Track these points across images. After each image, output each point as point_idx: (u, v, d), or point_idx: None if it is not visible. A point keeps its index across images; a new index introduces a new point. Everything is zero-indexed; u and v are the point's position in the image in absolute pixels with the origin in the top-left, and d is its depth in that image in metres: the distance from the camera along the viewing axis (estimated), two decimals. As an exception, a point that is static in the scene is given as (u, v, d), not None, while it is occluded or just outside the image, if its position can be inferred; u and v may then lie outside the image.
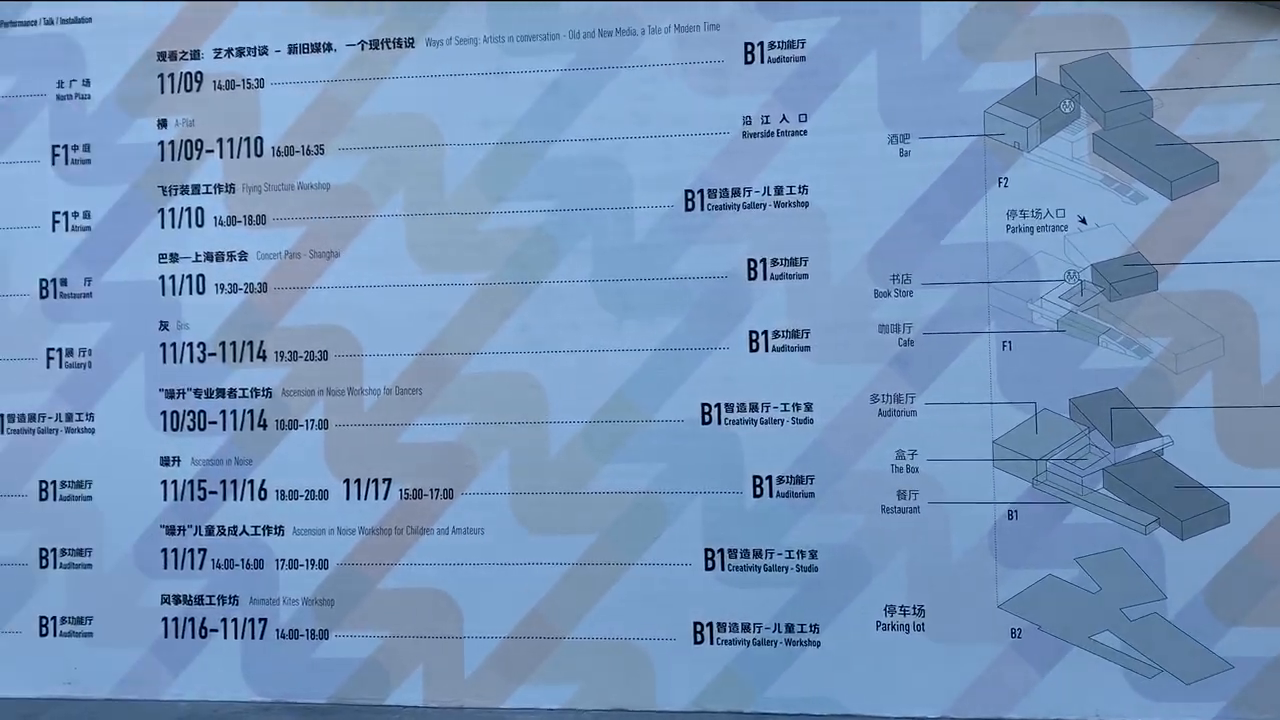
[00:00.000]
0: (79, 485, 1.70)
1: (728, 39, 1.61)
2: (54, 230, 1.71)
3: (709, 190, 1.60)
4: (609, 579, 1.60)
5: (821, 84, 1.58)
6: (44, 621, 1.69)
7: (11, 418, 1.71)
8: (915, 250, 1.56)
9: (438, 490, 1.64)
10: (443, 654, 1.62)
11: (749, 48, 1.60)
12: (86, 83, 1.71)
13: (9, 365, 1.71)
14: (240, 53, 1.69)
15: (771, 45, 1.60)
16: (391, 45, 1.66)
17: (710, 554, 1.59)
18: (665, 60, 1.61)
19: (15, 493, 1.70)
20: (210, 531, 1.68)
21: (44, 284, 1.71)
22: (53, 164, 1.72)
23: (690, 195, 1.60)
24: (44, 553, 1.69)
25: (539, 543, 1.61)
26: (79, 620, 1.69)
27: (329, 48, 1.67)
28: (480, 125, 1.64)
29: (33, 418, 1.71)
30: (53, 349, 1.71)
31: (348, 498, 1.66)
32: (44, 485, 1.70)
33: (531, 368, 1.62)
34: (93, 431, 1.69)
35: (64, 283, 1.71)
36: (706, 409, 1.59)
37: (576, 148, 1.63)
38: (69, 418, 1.70)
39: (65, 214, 1.71)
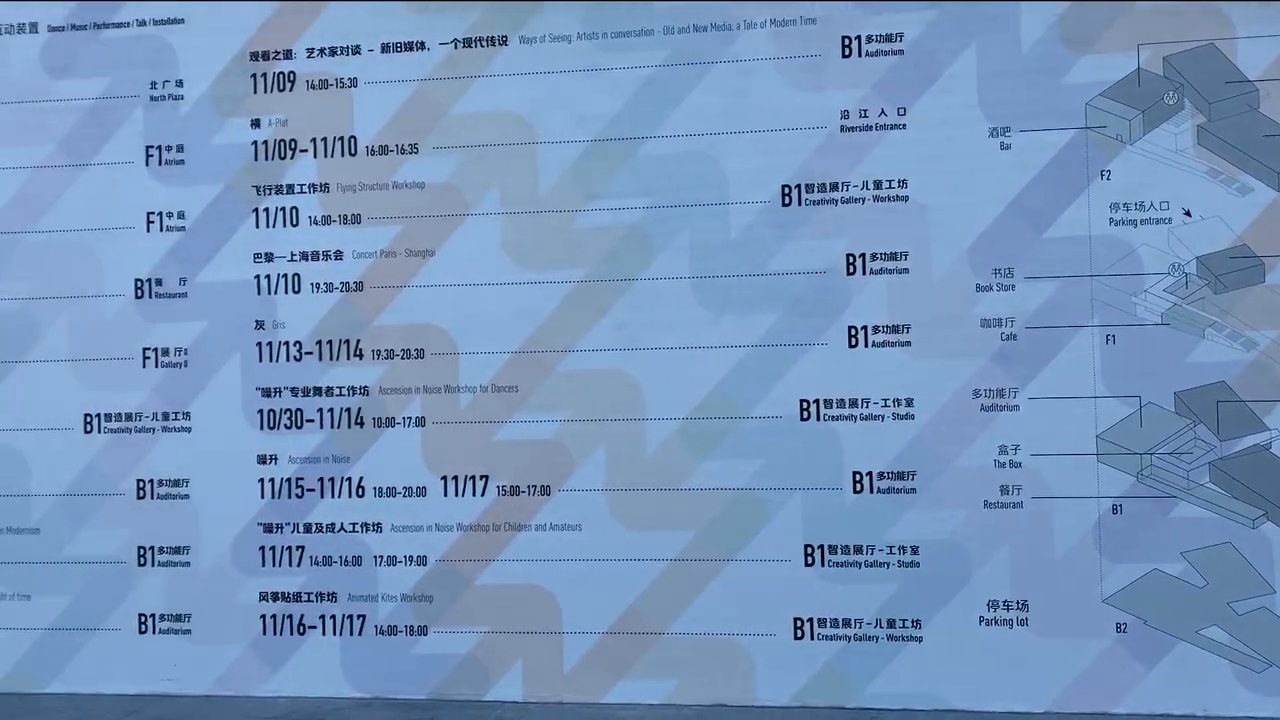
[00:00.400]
0: (176, 484, 1.71)
1: (824, 33, 1.60)
2: (148, 231, 1.72)
3: (806, 185, 1.59)
4: (708, 575, 1.60)
5: (920, 77, 1.57)
6: (143, 619, 1.71)
7: (108, 417, 1.72)
8: (1017, 244, 1.55)
9: (535, 487, 1.64)
10: (542, 649, 1.63)
11: (846, 41, 1.59)
12: (179, 83, 1.72)
13: (105, 365, 1.73)
14: (333, 52, 1.69)
15: (869, 39, 1.59)
16: (485, 43, 1.66)
17: (810, 550, 1.59)
18: (761, 55, 1.61)
19: (113, 491, 1.72)
20: (308, 529, 1.69)
21: (139, 284, 1.72)
22: (146, 165, 1.73)
23: (787, 190, 1.60)
24: (142, 551, 1.71)
25: (636, 539, 1.62)
26: (178, 618, 1.70)
27: (422, 46, 1.67)
28: (574, 122, 1.64)
29: (129, 417, 1.72)
30: (149, 349, 1.72)
31: (445, 495, 1.66)
32: (141, 484, 1.72)
33: (627, 365, 1.63)
34: (189, 430, 1.71)
35: (159, 283, 1.72)
36: (805, 405, 1.58)
37: (671, 144, 1.62)
38: (166, 417, 1.71)
39: (160, 214, 1.72)
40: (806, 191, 1.59)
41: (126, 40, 1.73)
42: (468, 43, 1.66)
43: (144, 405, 1.71)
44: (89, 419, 1.72)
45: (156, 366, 1.72)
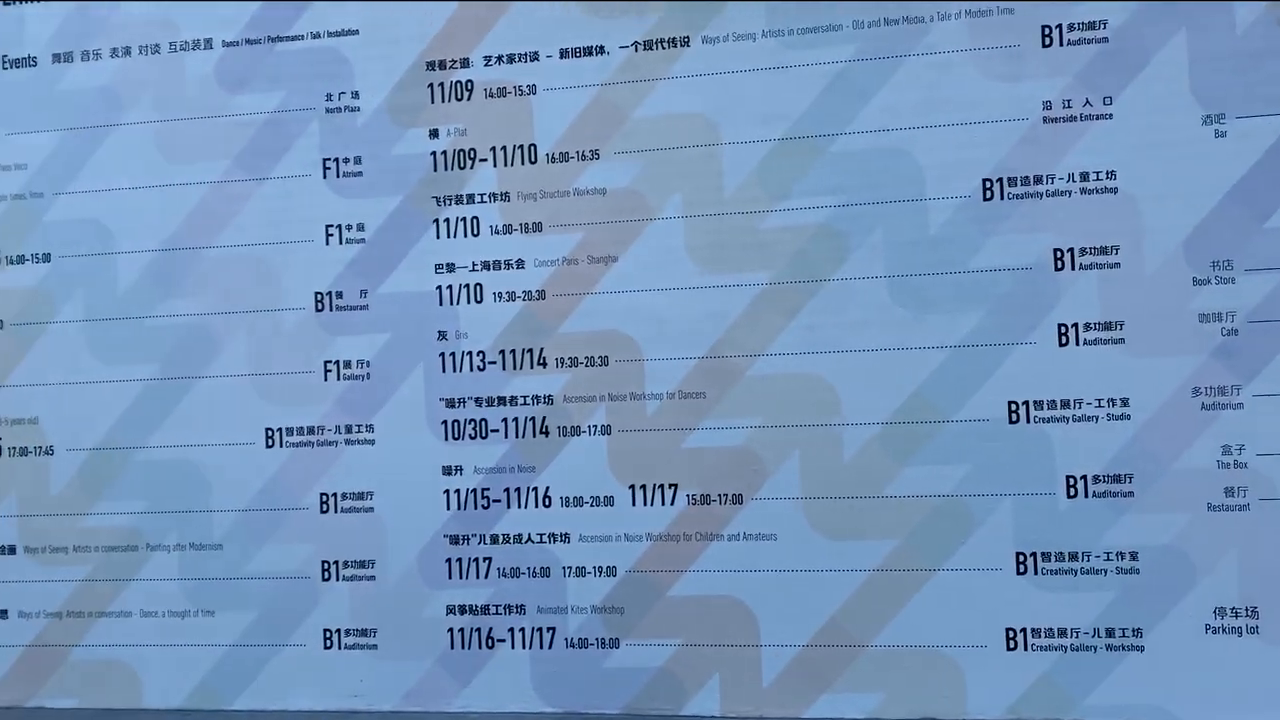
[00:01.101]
0: (360, 497, 1.70)
1: (1023, 23, 1.55)
2: (328, 244, 1.72)
3: (1009, 179, 1.54)
4: (913, 585, 1.55)
5: (1127, 65, 1.52)
6: (328, 634, 1.70)
7: (290, 431, 1.72)
8: (1236, 235, 1.48)
9: (726, 495, 1.61)
10: (739, 662, 1.59)
11: (1046, 30, 1.54)
12: (355, 95, 1.71)
13: (286, 379, 1.72)
14: (510, 59, 1.68)
15: (1071, 27, 1.54)
16: (666, 45, 1.64)
17: (1022, 558, 1.53)
18: (956, 47, 1.56)
19: (296, 506, 1.72)
20: (495, 540, 1.67)
21: (319, 297, 1.72)
22: (324, 177, 1.73)
23: (988, 184, 1.55)
24: (326, 565, 1.70)
25: (836, 548, 1.57)
26: (363, 632, 1.69)
27: (601, 50, 1.65)
28: (760, 122, 1.61)
29: (311, 430, 1.71)
30: (330, 361, 1.72)
31: (634, 504, 1.63)
32: (325, 498, 1.71)
33: (821, 368, 1.58)
34: (373, 443, 1.70)
35: (339, 295, 1.72)
36: (1014, 407, 1.53)
37: (863, 140, 1.59)
38: (348, 429, 1.71)
39: (339, 227, 1.72)
40: (1009, 185, 1.54)
41: (301, 53, 1.73)
42: (648, 45, 1.64)
43: (326, 418, 1.71)
44: (270, 433, 1.72)
45: (338, 379, 1.71)
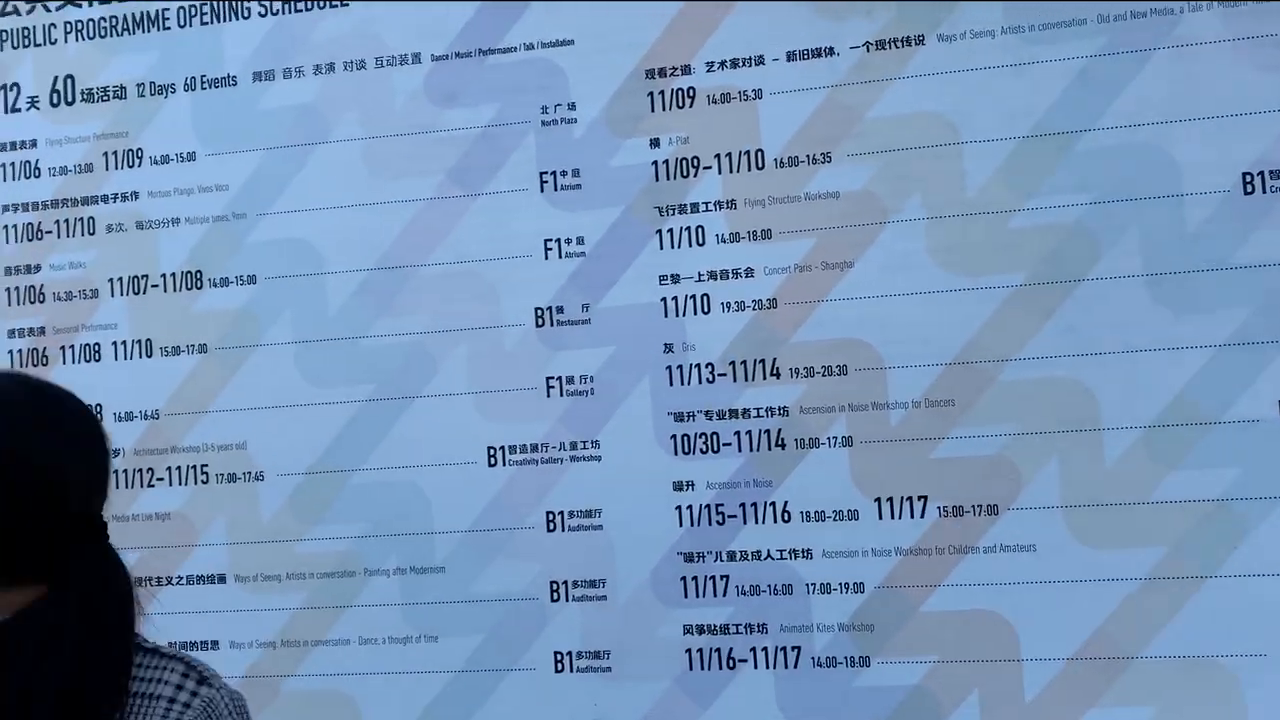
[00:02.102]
0: (588, 514, 1.66)
1: None
2: (546, 258, 1.69)
3: (1272, 171, 1.50)
4: (1183, 594, 1.49)
5: (1395, 50, 1.48)
6: (559, 657, 1.65)
7: (513, 449, 1.68)
8: None
9: (980, 507, 1.55)
10: (999, 678, 1.53)
11: (1305, 17, 1.51)
12: (572, 106, 1.68)
13: (507, 396, 1.68)
14: (734, 64, 1.64)
15: (1333, 13, 1.50)
16: (899, 44, 1.60)
17: (1302, 562, 1.48)
18: (1211, 38, 1.52)
19: (521, 525, 1.67)
20: (732, 557, 1.62)
21: (539, 312, 1.68)
22: (541, 190, 1.69)
23: (1249, 178, 1.50)
24: (555, 586, 1.65)
25: (1099, 558, 1.51)
26: (596, 654, 1.64)
27: (831, 52, 1.61)
28: (1002, 120, 1.56)
29: (535, 448, 1.67)
30: (552, 377, 1.67)
31: (880, 517, 1.58)
32: (551, 516, 1.67)
33: (1078, 372, 1.53)
34: (599, 459, 1.65)
35: (560, 310, 1.68)
36: (1287, 406, 1.48)
37: (1112, 136, 1.54)
38: (574, 446, 1.66)
39: (558, 240, 1.68)
40: (1272, 178, 1.50)
41: (514, 65, 1.70)
42: (880, 45, 1.60)
43: (550, 435, 1.67)
44: (492, 451, 1.68)
45: (561, 395, 1.67)
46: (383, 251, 1.71)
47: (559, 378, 1.66)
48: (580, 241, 1.66)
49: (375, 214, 1.71)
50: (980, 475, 1.54)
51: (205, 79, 1.77)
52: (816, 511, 1.59)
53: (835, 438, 1.59)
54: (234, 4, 1.76)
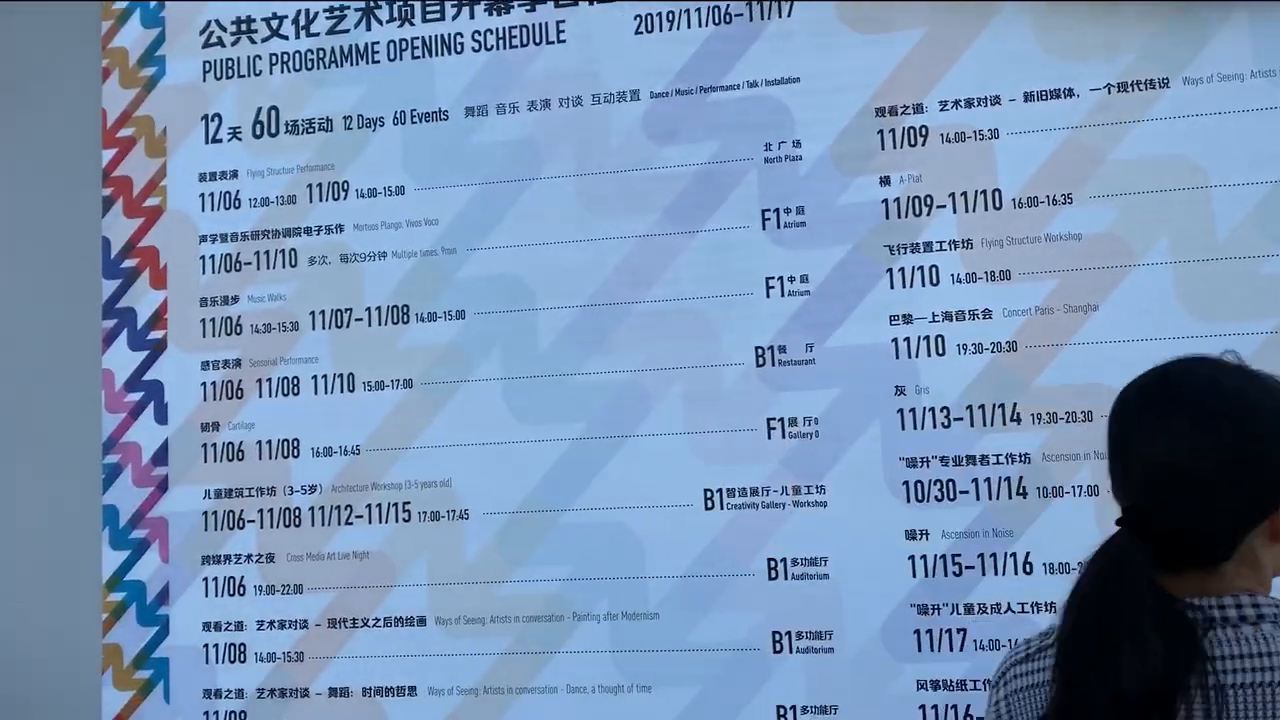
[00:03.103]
0: (813, 562, 1.60)
1: None
2: (768, 296, 1.65)
3: None
4: None
5: None
6: (782, 711, 1.57)
7: (732, 492, 1.63)
8: None
9: (1236, 560, 1.50)
10: None
11: None
12: (797, 143, 1.65)
13: (727, 437, 1.63)
14: (969, 104, 1.62)
15: None
16: (1143, 87, 1.57)
17: None
18: None
19: (741, 572, 1.62)
20: (970, 610, 1.56)
21: (760, 351, 1.64)
22: (763, 228, 1.66)
23: None
24: (777, 636, 1.59)
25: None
26: (822, 709, 1.57)
27: (1070, 93, 1.59)
28: (1253, 164, 1.53)
29: (755, 491, 1.62)
30: (774, 419, 1.63)
31: (1128, 570, 1.53)
32: (773, 563, 1.61)
33: (1340, 422, 1.49)
34: (825, 505, 1.60)
35: (783, 349, 1.64)
36: None
37: (1370, 182, 1.52)
38: (797, 490, 1.61)
39: (780, 279, 1.65)
40: None
41: (736, 102, 1.68)
42: (1122, 87, 1.57)
43: (771, 479, 1.62)
44: (709, 494, 1.63)
45: (784, 437, 1.62)
46: (596, 288, 1.68)
47: (781, 419, 1.62)
48: (804, 279, 1.63)
49: (589, 250, 1.69)
50: (1236, 528, 1.49)
51: (415, 113, 1.75)
52: (1060, 563, 1.53)
53: (1080, 486, 1.53)
54: (447, 39, 1.76)
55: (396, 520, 1.69)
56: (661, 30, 1.70)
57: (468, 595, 1.67)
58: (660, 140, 1.69)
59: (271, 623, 1.71)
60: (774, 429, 1.62)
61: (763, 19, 1.67)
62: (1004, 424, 1.56)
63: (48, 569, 1.79)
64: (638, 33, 1.70)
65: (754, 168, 1.66)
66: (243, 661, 1.71)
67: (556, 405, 1.67)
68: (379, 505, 1.70)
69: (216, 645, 1.72)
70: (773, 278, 1.64)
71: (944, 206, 1.61)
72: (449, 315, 1.71)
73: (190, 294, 1.79)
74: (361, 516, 1.70)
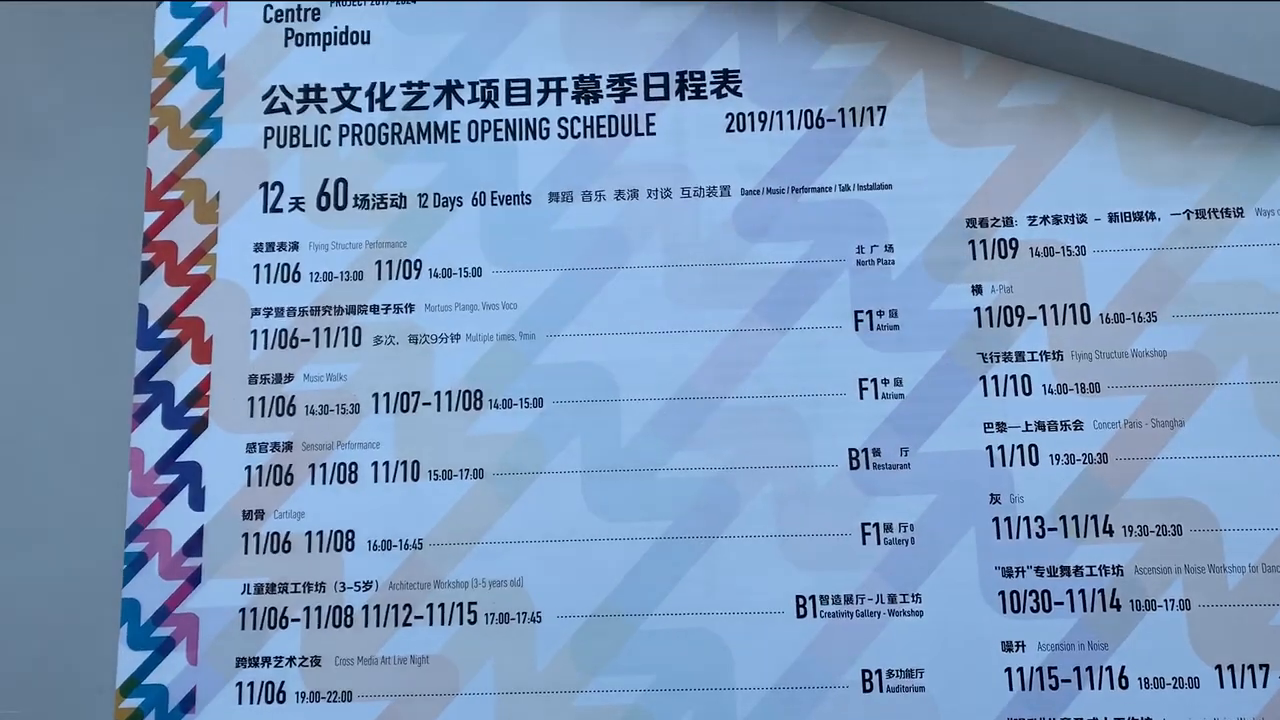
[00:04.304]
0: (909, 674, 1.55)
1: None
2: (861, 398, 1.63)
3: None
4: None
5: None
6: (876, 833, 1.51)
7: (825, 599, 1.57)
8: None
9: (1324, 676, 1.53)
10: None
11: None
12: (889, 248, 1.67)
13: (820, 542, 1.59)
14: (1056, 220, 1.67)
15: None
16: (1219, 215, 1.66)
17: None
18: None
19: (835, 684, 1.55)
20: (1067, 726, 1.54)
21: (854, 454, 1.62)
22: (856, 329, 1.66)
23: None
24: (871, 752, 1.53)
25: None
26: (919, 831, 1.51)
27: (1152, 216, 1.66)
28: (1323, 293, 1.63)
29: (850, 599, 1.57)
30: (868, 524, 1.60)
31: (1221, 686, 1.53)
32: (867, 675, 1.55)
33: None
34: (921, 614, 1.56)
35: (877, 453, 1.61)
36: None
37: None
38: (892, 599, 1.57)
39: (874, 380, 1.64)
40: None
41: (828, 204, 1.69)
42: (1200, 214, 1.65)
43: (866, 586, 1.57)
44: (801, 601, 1.57)
45: (879, 544, 1.59)
46: (683, 381, 1.63)
47: (876, 524, 1.59)
48: (899, 383, 1.62)
49: (676, 342, 1.64)
50: (1323, 644, 1.52)
51: (496, 195, 1.70)
52: (1155, 678, 1.52)
53: (1172, 600, 1.54)
54: (532, 123, 1.72)
55: (461, 622, 1.57)
56: (754, 129, 1.71)
57: (539, 706, 1.55)
58: (751, 236, 1.68)
59: (314, 735, 1.55)
60: (869, 534, 1.59)
61: (856, 125, 1.70)
62: (1096, 535, 1.57)
63: (56, 670, 1.59)
64: (729, 130, 1.71)
65: (846, 269, 1.66)
66: (278, 779, 1.54)
67: (639, 501, 1.60)
68: (442, 605, 1.58)
69: (248, 760, 1.55)
70: (866, 379, 1.63)
71: (1034, 318, 1.64)
72: (525, 403, 1.63)
73: (238, 370, 1.66)
74: (422, 617, 1.58)
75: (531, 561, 1.59)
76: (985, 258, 1.66)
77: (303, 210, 1.71)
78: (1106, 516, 1.57)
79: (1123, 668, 1.53)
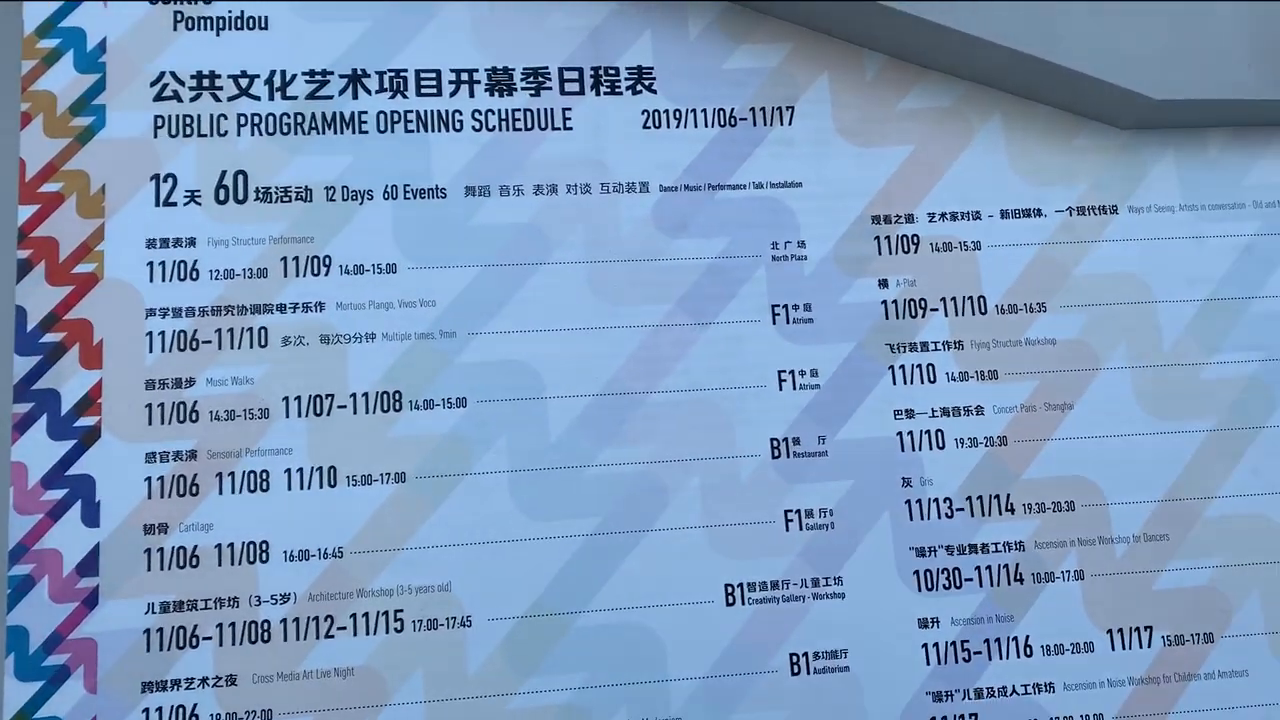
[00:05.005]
0: (834, 655, 1.60)
1: (1388, 210, 1.85)
2: (780, 389, 1.67)
3: (1399, 341, 1.79)
4: (1373, 709, 1.67)
5: None
6: (808, 811, 1.55)
7: (753, 586, 1.60)
8: None
9: (1199, 635, 1.66)
10: (1233, 802, 1.62)
11: (1407, 217, 1.84)
12: (801, 244, 1.71)
13: (745, 530, 1.62)
14: (954, 217, 1.76)
15: None
16: (1096, 212, 1.78)
17: None
18: (1341, 227, 1.83)
19: (764, 669, 1.58)
20: (979, 694, 1.61)
21: (775, 444, 1.65)
22: (773, 323, 1.69)
23: (1385, 346, 1.79)
24: (801, 733, 1.57)
25: (1303, 679, 1.67)
26: (848, 805, 1.56)
27: (1039, 213, 1.77)
28: (1186, 284, 1.77)
29: (776, 585, 1.61)
30: (791, 511, 1.64)
31: (1113, 649, 1.65)
32: (795, 658, 1.59)
33: (1269, 509, 1.71)
34: (843, 596, 1.61)
35: (796, 442, 1.66)
36: None
37: (1274, 304, 1.78)
38: (816, 583, 1.62)
39: (792, 372, 1.68)
40: (1401, 346, 1.79)
41: (743, 201, 1.72)
42: (1080, 210, 1.78)
43: (790, 572, 1.61)
44: (730, 590, 1.59)
45: (801, 530, 1.63)
46: (609, 377, 1.63)
47: (798, 511, 1.63)
48: (814, 374, 1.68)
49: (600, 338, 1.64)
50: (1195, 605, 1.66)
51: (410, 189, 1.65)
52: (1055, 645, 1.63)
53: (1068, 571, 1.66)
54: (444, 115, 1.68)
55: (387, 631, 1.52)
56: (669, 126, 1.72)
57: (471, 711, 1.52)
58: (671, 233, 1.69)
59: (233, 758, 1.47)
60: (791, 521, 1.63)
61: (766, 124, 1.74)
62: (999, 514, 1.67)
63: (-66, 710, 1.44)
64: (645, 127, 1.72)
65: (763, 264, 1.70)
66: (193, 808, 1.45)
67: (568, 499, 1.59)
68: (366, 615, 1.52)
69: (159, 791, 1.46)
70: (784, 371, 1.68)
71: (936, 310, 1.72)
72: (448, 403, 1.60)
73: (133, 375, 1.55)
74: (345, 628, 1.52)
75: (459, 565, 1.56)
76: (890, 253, 1.74)
77: (199, 204, 1.61)
78: (1008, 495, 1.67)
79: (1027, 637, 1.64)
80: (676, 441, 1.63)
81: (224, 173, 1.63)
